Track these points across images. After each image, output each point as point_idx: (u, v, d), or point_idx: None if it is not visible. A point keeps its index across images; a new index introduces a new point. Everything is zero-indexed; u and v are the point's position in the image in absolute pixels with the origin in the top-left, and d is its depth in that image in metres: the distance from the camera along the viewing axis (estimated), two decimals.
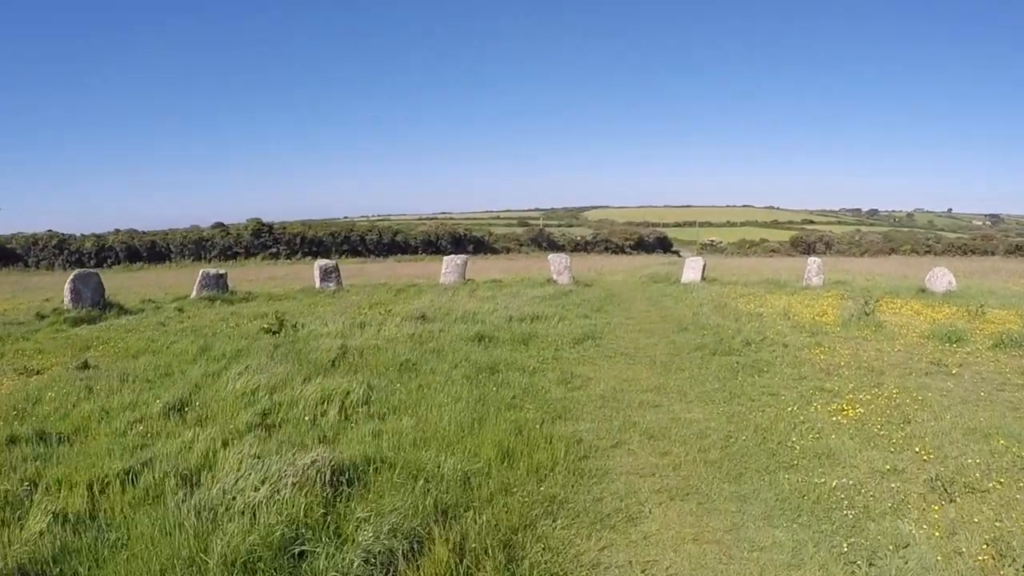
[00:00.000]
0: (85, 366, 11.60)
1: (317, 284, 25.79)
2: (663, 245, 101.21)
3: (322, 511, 5.16)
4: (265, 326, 14.69)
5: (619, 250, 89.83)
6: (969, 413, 8.17)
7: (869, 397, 8.89)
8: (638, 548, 4.98)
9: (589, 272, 36.70)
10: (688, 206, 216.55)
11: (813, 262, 25.25)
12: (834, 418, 7.98)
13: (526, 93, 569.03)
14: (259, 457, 6.36)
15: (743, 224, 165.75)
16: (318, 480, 5.52)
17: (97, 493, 5.87)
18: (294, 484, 5.43)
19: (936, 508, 5.56)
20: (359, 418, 8.03)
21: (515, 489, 5.80)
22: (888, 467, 6.43)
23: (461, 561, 4.56)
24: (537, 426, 7.42)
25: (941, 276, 22.89)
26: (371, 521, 4.89)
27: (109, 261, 74.35)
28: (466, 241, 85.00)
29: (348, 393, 8.76)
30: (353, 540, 4.71)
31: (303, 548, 4.65)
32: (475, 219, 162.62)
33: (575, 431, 7.48)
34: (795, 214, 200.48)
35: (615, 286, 27.59)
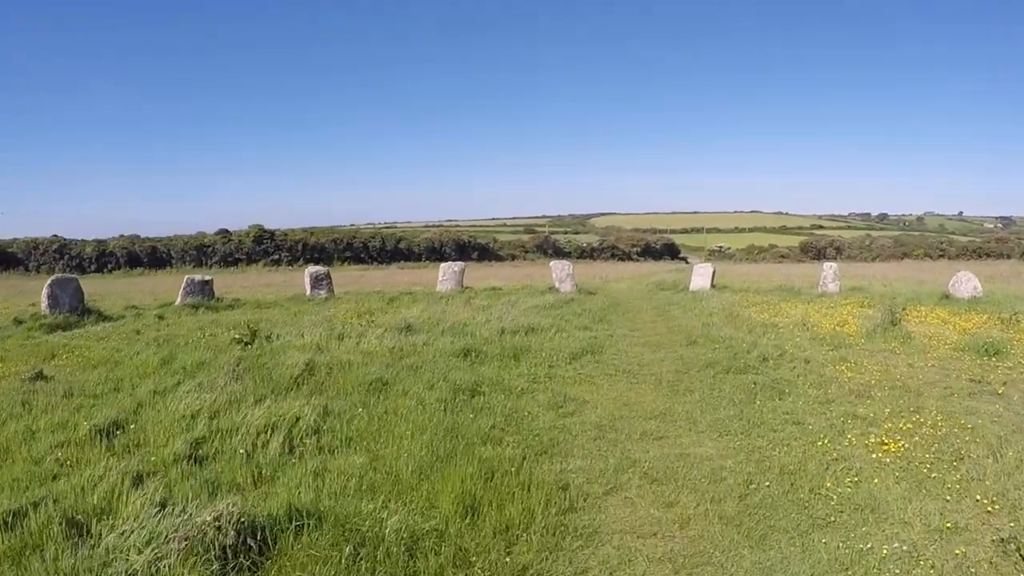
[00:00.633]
0: (39, 377, 10.70)
1: (308, 292, 24.67)
2: (670, 251, 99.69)
3: None
4: (236, 336, 13.59)
5: (626, 257, 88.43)
6: None
7: (910, 426, 7.59)
8: None
9: (594, 279, 35.45)
10: (696, 212, 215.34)
11: (829, 268, 23.90)
12: (874, 454, 6.68)
13: (534, 101, 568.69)
14: (163, 505, 5.16)
15: (751, 230, 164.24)
16: (214, 547, 4.26)
17: None
18: (181, 551, 4.18)
19: None
20: (306, 451, 6.81)
21: (475, 559, 4.52)
22: (948, 524, 5.16)
23: None
24: (514, 467, 6.14)
25: (966, 281, 21.51)
26: None
27: (110, 266, 73.94)
28: (470, 248, 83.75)
29: (298, 420, 7.55)
30: None
31: None
32: (481, 226, 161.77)
33: (561, 472, 6.19)
34: (804, 219, 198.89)
35: (620, 294, 26.29)
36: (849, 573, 4.47)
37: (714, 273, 25.82)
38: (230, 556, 4.25)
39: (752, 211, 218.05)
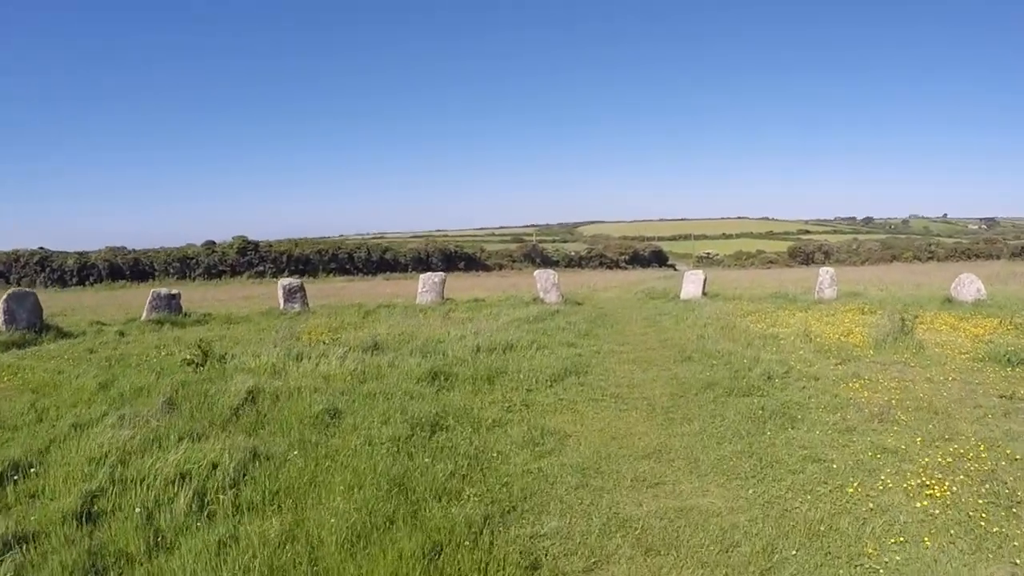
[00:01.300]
0: None
1: (281, 305, 23.33)
2: (659, 259, 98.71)
3: None
4: (188, 357, 12.30)
5: (614, 265, 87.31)
6: None
7: (949, 459, 6.41)
8: None
9: (581, 289, 34.19)
10: (683, 219, 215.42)
11: (825, 272, 22.74)
12: (917, 502, 5.47)
13: (523, 112, 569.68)
14: None
15: (739, 236, 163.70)
16: None
17: None
18: None
19: None
20: (220, 510, 5.55)
21: None
22: None
23: None
24: (472, 535, 4.86)
25: (968, 284, 20.39)
26: None
27: (92, 279, 72.44)
28: (457, 258, 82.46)
29: (215, 467, 6.27)
30: None
31: None
32: (470, 236, 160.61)
33: (532, 539, 4.92)
34: (791, 224, 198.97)
35: (608, 304, 25.05)
36: None
37: (705, 280, 24.64)
38: None
39: (739, 217, 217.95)
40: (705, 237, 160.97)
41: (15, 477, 6.44)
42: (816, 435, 7.23)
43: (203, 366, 11.87)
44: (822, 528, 4.99)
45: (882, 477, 5.99)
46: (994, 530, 4.98)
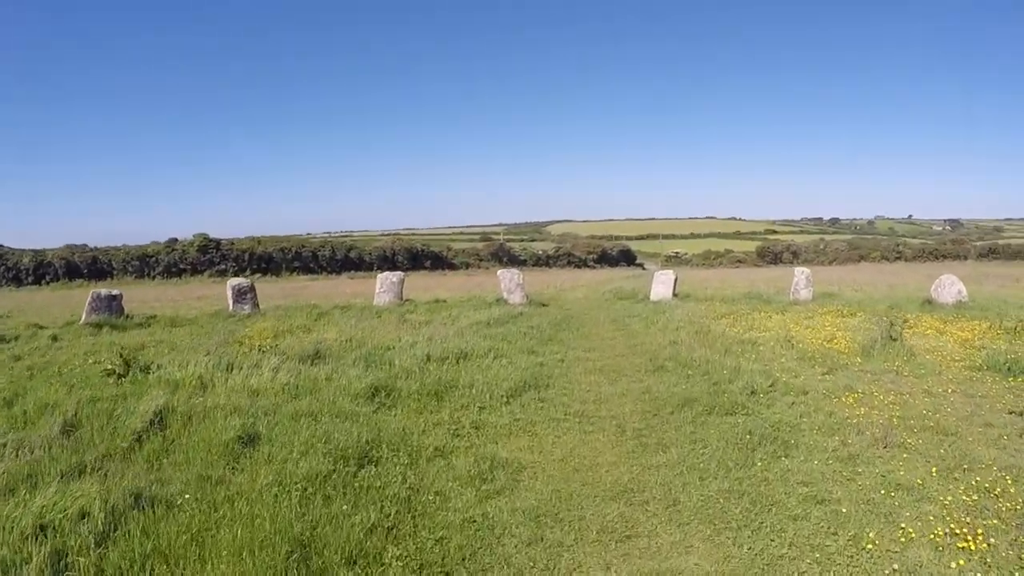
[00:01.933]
0: None
1: (230, 307, 21.86)
2: (627, 258, 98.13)
3: None
4: (109, 367, 10.97)
5: (582, 264, 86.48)
6: None
7: (975, 497, 5.38)
8: None
9: (547, 289, 33.10)
10: (651, 219, 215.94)
11: (801, 273, 21.85)
12: (951, 561, 4.39)
13: (492, 111, 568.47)
14: None
15: (706, 235, 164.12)
16: None
17: None
18: None
19: None
20: None
21: None
22: None
23: None
24: None
25: (949, 285, 19.62)
26: None
27: (48, 277, 70.27)
28: (423, 256, 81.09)
29: (84, 518, 5.01)
30: None
31: None
32: (438, 235, 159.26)
33: None
34: (757, 224, 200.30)
35: (575, 305, 23.94)
36: None
37: (676, 280, 23.61)
38: None
39: (707, 217, 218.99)
40: (673, 237, 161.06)
41: None
42: (815, 465, 6.14)
43: (124, 377, 10.59)
44: None
45: (902, 524, 4.90)
46: None
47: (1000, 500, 5.32)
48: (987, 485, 5.60)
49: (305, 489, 5.64)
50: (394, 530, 4.94)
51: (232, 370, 10.64)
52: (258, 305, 22.16)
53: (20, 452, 6.86)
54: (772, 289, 26.82)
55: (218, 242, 77.52)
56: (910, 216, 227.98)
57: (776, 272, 47.98)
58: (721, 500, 5.44)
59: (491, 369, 10.24)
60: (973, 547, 4.54)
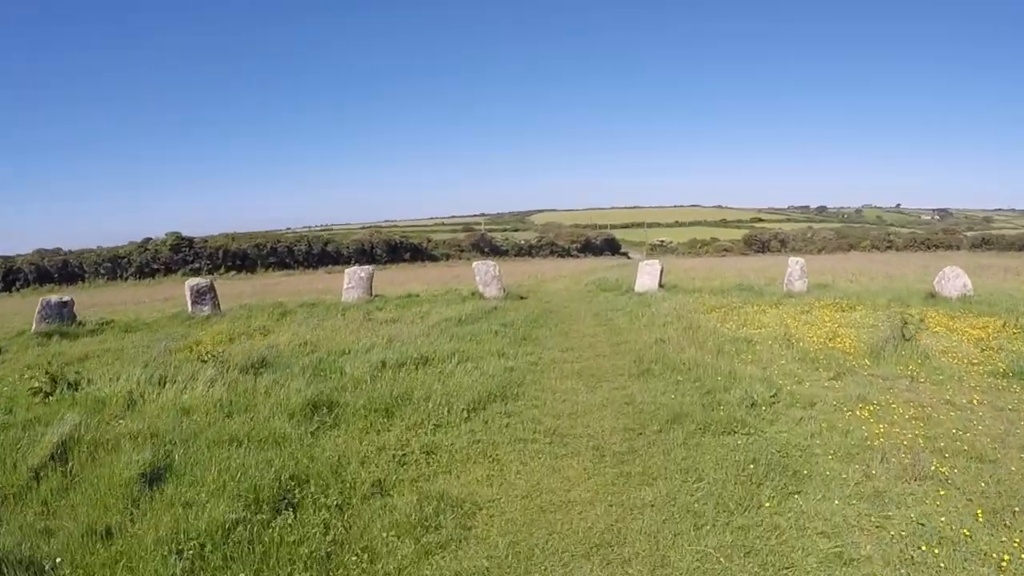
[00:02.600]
0: None
1: (189, 308, 20.48)
2: (611, 247, 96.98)
3: None
4: (36, 385, 9.67)
5: (565, 253, 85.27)
6: None
7: None
8: None
9: (528, 280, 31.88)
10: (636, 207, 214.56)
11: (795, 263, 20.71)
12: None
13: (474, 101, 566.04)
14: None
15: (692, 224, 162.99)
16: None
17: None
18: None
19: None
20: None
21: None
22: None
23: None
24: None
25: (954, 278, 18.53)
26: None
27: (18, 284, 68.25)
28: (402, 248, 79.59)
29: None
30: None
31: None
32: (420, 226, 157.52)
33: None
34: (744, 212, 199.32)
35: (555, 297, 22.75)
36: None
37: (662, 271, 22.42)
38: None
39: (692, 205, 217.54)
40: (658, 225, 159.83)
41: None
42: (835, 506, 4.97)
43: (51, 395, 9.34)
44: None
45: None
46: None
47: None
48: None
49: (203, 547, 4.43)
50: None
51: (165, 384, 9.39)
52: (219, 306, 20.80)
53: None
54: (763, 280, 25.73)
55: (191, 240, 75.67)
56: (898, 205, 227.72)
57: (765, 261, 47.01)
58: (721, 560, 4.25)
59: (453, 376, 8.99)
60: None
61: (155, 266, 73.82)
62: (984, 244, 70.01)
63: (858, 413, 7.31)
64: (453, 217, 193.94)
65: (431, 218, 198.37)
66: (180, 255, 74.57)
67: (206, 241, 77.43)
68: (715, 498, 5.13)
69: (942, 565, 4.15)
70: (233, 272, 71.17)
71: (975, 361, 9.91)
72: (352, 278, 21.86)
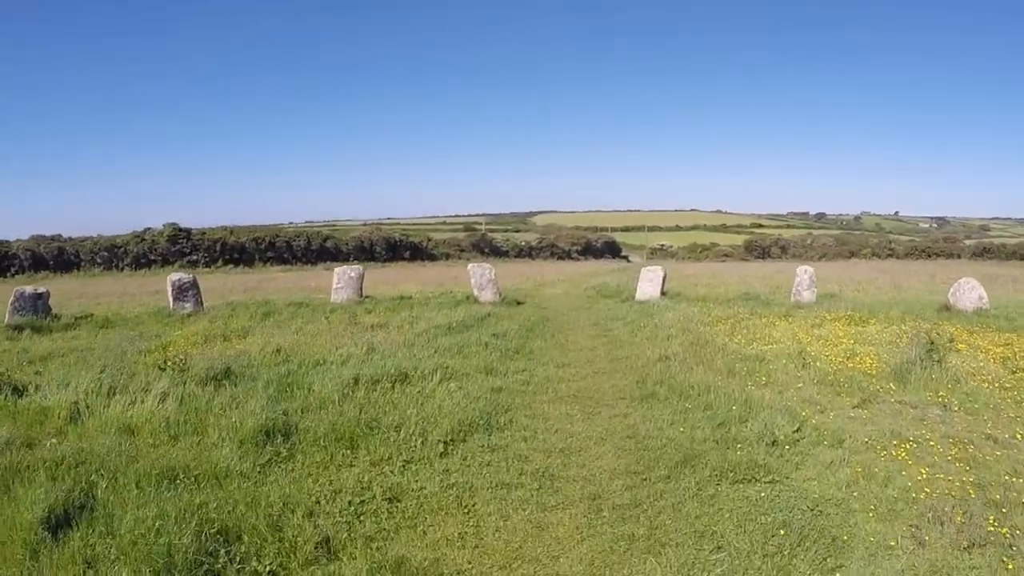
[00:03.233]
0: None
1: (170, 305, 19.49)
2: (611, 250, 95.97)
3: None
4: None
5: (565, 255, 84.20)
6: None
7: None
8: None
9: (526, 283, 30.92)
10: (636, 210, 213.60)
11: (804, 272, 19.72)
12: None
13: (478, 101, 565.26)
14: None
15: (692, 228, 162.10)
16: None
17: None
18: None
19: None
20: None
21: None
22: None
23: None
24: None
25: (969, 290, 17.59)
26: None
27: (13, 270, 67.08)
28: (402, 247, 78.45)
29: None
30: None
31: None
32: (421, 224, 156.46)
33: None
34: (743, 218, 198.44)
35: (553, 303, 21.79)
36: None
37: (664, 278, 21.42)
38: None
39: (692, 209, 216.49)
40: (658, 229, 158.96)
41: None
42: None
43: None
44: None
45: None
46: None
47: None
48: None
49: None
50: None
51: (115, 394, 8.41)
52: (202, 303, 19.82)
53: None
54: (768, 288, 24.78)
55: (188, 232, 74.49)
56: (896, 213, 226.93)
57: (768, 268, 45.99)
58: None
59: (433, 398, 8.00)
60: None
61: (152, 257, 72.63)
62: (986, 253, 68.81)
63: (894, 453, 6.34)
64: (455, 216, 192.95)
65: (433, 217, 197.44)
66: (177, 247, 73.39)
67: (204, 233, 76.20)
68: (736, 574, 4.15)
69: None
70: (230, 266, 70.05)
71: (1007, 385, 8.96)
72: (342, 278, 20.90)
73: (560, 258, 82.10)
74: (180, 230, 75.68)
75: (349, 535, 4.73)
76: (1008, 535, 4.67)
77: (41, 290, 19.00)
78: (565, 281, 34.36)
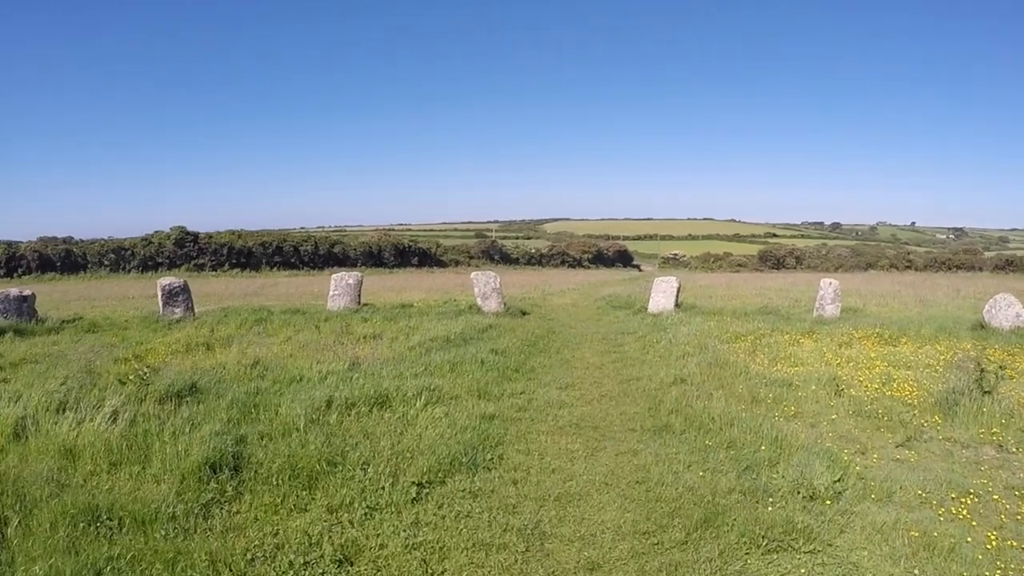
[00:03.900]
0: None
1: (160, 310, 18.61)
2: (623, 259, 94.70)
3: None
4: None
5: (576, 264, 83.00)
6: None
7: None
8: None
9: (534, 292, 29.87)
10: (649, 219, 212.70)
11: (828, 285, 18.57)
12: None
13: (490, 107, 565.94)
14: None
15: (705, 237, 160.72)
16: None
17: None
18: None
19: None
20: None
21: None
22: None
23: None
24: None
25: (1007, 307, 16.39)
26: None
27: (20, 271, 66.73)
28: (411, 253, 77.45)
29: None
30: None
31: None
32: (432, 231, 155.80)
33: None
34: (757, 227, 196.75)
35: (561, 314, 20.76)
36: None
37: (679, 289, 20.32)
38: None
39: (705, 218, 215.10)
40: (671, 238, 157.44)
41: None
42: None
43: None
44: None
45: None
46: None
47: None
48: None
49: None
50: None
51: (66, 411, 7.47)
52: (192, 308, 18.90)
53: None
54: (786, 301, 23.66)
55: (196, 235, 73.80)
56: (913, 223, 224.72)
57: (784, 279, 44.70)
58: None
59: (414, 426, 6.98)
60: None
61: (159, 260, 72.03)
62: (1009, 266, 66.69)
63: (953, 510, 5.30)
64: (467, 223, 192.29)
65: (444, 223, 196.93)
66: (184, 250, 72.78)
67: (211, 237, 75.51)
68: None
69: None
70: (237, 270, 69.43)
71: None
72: (339, 285, 19.96)
73: (571, 266, 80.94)
74: (187, 233, 75.07)
75: None
76: None
77: (27, 292, 18.20)
78: (574, 291, 33.30)
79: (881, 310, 21.37)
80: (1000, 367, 9.05)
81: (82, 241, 78.97)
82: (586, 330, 16.55)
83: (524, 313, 19.70)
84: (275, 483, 5.46)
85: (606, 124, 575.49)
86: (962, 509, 5.31)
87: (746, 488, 5.52)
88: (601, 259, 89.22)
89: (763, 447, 6.43)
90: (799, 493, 5.41)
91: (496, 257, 79.52)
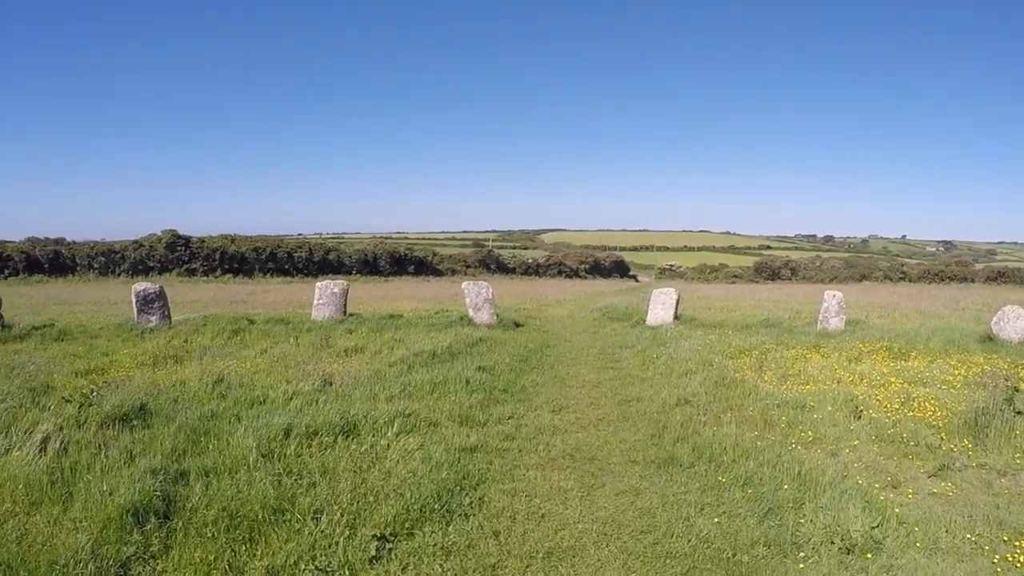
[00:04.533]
0: None
1: (135, 317, 17.69)
2: (620, 269, 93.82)
3: None
4: None
5: (573, 274, 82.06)
6: None
7: None
8: None
9: (529, 303, 29.01)
10: (645, 230, 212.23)
11: (832, 297, 17.75)
12: None
13: (485, 116, 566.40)
14: None
15: (701, 248, 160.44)
16: None
17: None
18: None
19: None
20: None
21: None
22: None
23: None
24: None
25: (1015, 318, 15.66)
26: None
27: (7, 272, 65.53)
28: (407, 261, 76.53)
29: None
30: None
31: None
32: (429, 239, 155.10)
33: None
34: (752, 239, 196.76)
35: (556, 326, 19.90)
36: None
37: (678, 301, 19.46)
38: None
39: (701, 230, 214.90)
40: (667, 249, 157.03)
41: None
42: None
43: None
44: None
45: None
46: None
47: None
48: None
49: None
50: None
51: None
52: (168, 316, 17.98)
53: None
54: (787, 313, 22.82)
55: (188, 239, 72.70)
56: (904, 236, 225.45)
57: (781, 291, 43.99)
58: None
59: (382, 461, 6.08)
60: None
61: (149, 264, 70.82)
62: (1000, 277, 66.21)
63: (1010, 558, 4.47)
64: (465, 232, 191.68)
65: (442, 232, 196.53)
66: (175, 254, 71.63)
67: (203, 241, 74.40)
68: None
69: None
70: (229, 275, 68.29)
71: None
72: (323, 293, 19.05)
73: (567, 276, 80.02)
74: (179, 237, 73.97)
75: None
76: None
77: None
78: (571, 301, 32.45)
79: (884, 322, 20.60)
80: None
81: (73, 243, 77.86)
82: (582, 344, 15.71)
83: (518, 325, 18.83)
84: (210, 535, 4.57)
85: (604, 137, 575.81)
86: (1019, 555, 4.49)
87: (771, 539, 4.66)
88: (598, 269, 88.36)
89: (785, 484, 5.56)
90: (833, 543, 4.56)
91: (493, 266, 78.64)
